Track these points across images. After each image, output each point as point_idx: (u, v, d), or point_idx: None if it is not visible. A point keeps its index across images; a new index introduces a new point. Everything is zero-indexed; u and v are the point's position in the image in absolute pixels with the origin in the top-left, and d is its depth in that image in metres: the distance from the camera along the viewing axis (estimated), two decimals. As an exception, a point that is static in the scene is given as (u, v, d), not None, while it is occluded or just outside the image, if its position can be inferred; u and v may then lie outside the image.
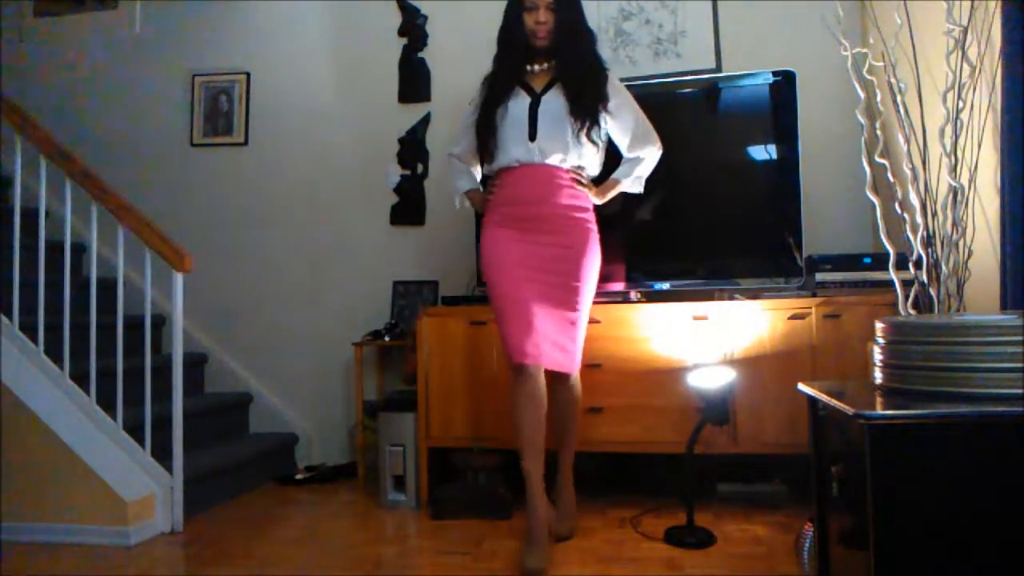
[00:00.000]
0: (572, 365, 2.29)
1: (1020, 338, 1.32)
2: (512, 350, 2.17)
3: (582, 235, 2.29)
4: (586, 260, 2.27)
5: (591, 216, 2.34)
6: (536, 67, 2.35)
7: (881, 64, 2.30)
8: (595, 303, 2.73)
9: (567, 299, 2.25)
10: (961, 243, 2.02)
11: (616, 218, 2.79)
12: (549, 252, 2.25)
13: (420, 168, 3.51)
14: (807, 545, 1.80)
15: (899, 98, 2.19)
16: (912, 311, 2.10)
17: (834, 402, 1.46)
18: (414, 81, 3.53)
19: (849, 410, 1.35)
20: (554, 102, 2.29)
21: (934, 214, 2.08)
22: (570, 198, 2.29)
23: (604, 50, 3.26)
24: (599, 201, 2.38)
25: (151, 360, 2.66)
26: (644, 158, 2.43)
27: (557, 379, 2.29)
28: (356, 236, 3.56)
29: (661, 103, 2.95)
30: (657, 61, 3.25)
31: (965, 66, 2.02)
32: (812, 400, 1.69)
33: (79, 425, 2.54)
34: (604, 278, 2.88)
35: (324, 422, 3.54)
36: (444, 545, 2.37)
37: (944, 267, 2.04)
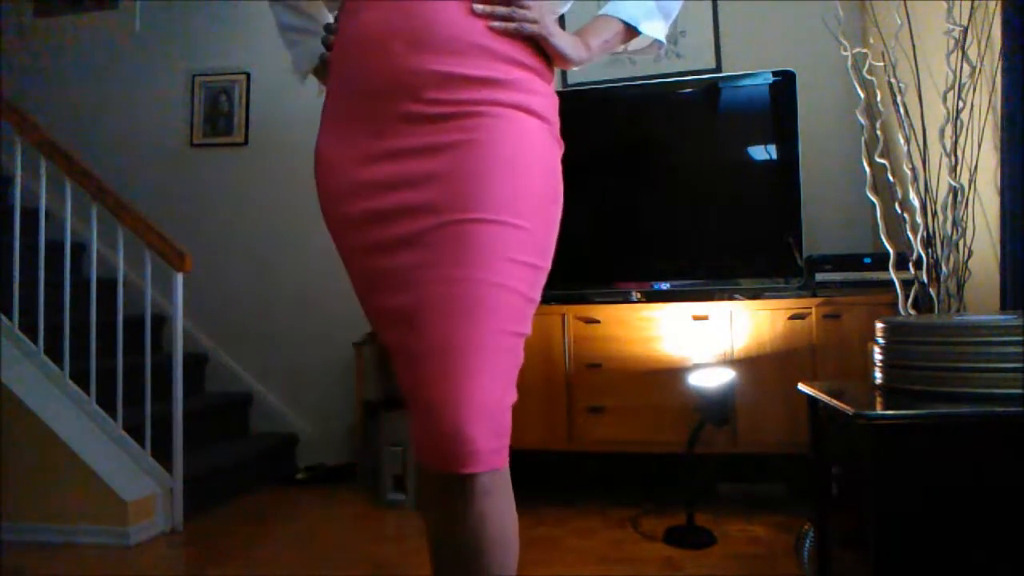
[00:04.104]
0: (468, 447, 0.94)
1: (1020, 338, 1.32)
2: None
3: (504, 125, 1.03)
4: (506, 163, 1.02)
5: (539, 92, 1.08)
6: None
7: (881, 64, 2.30)
8: (595, 303, 2.74)
9: (458, 262, 0.98)
10: (961, 243, 2.02)
11: (614, 217, 2.80)
12: (416, 167, 1.02)
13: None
14: (807, 545, 1.80)
15: (899, 98, 2.19)
16: (912, 311, 2.10)
17: (834, 402, 1.46)
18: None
19: (849, 410, 1.35)
20: None
21: (934, 214, 2.08)
22: (487, 45, 1.04)
23: (604, 50, 3.29)
24: (575, 54, 1.12)
25: (151, 360, 2.66)
26: None
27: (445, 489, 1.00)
28: (356, 236, 3.55)
29: (661, 103, 2.95)
30: (657, 61, 3.25)
31: (965, 66, 2.02)
32: (812, 400, 1.69)
33: (79, 425, 2.54)
34: (604, 278, 2.88)
35: (324, 422, 3.54)
36: (444, 545, 2.37)
37: (944, 267, 2.04)
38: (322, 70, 1.26)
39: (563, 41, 1.10)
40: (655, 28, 1.17)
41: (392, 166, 1.04)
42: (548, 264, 1.07)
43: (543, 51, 1.10)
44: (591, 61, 1.15)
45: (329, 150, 1.11)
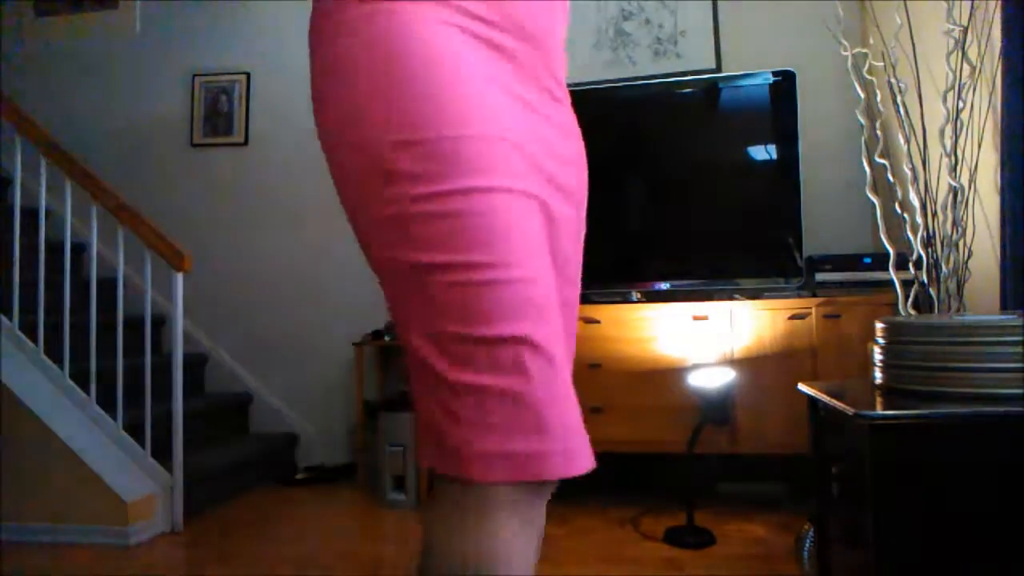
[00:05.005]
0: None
1: (1020, 338, 1.32)
2: (573, 436, 0.73)
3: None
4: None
5: None
6: None
7: (881, 64, 2.30)
8: (595, 303, 2.74)
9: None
10: (961, 243, 2.02)
11: (614, 217, 2.79)
12: (559, 140, 0.91)
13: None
14: (807, 545, 1.80)
15: (899, 98, 2.19)
16: (912, 311, 2.10)
17: (834, 402, 1.46)
18: (414, 81, 3.52)
19: (849, 410, 1.35)
20: None
21: (934, 214, 2.08)
22: None
23: (604, 51, 3.30)
24: None
25: (151, 360, 2.66)
26: None
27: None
28: (356, 236, 3.56)
29: (661, 103, 2.95)
30: (657, 61, 3.25)
31: (965, 66, 2.02)
32: (812, 400, 1.69)
33: (79, 425, 2.54)
34: (604, 278, 2.88)
35: (324, 422, 3.54)
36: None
37: (944, 267, 2.04)
38: None
39: None
40: None
41: (544, 125, 0.86)
42: None
43: None
44: None
45: (463, 49, 0.76)
